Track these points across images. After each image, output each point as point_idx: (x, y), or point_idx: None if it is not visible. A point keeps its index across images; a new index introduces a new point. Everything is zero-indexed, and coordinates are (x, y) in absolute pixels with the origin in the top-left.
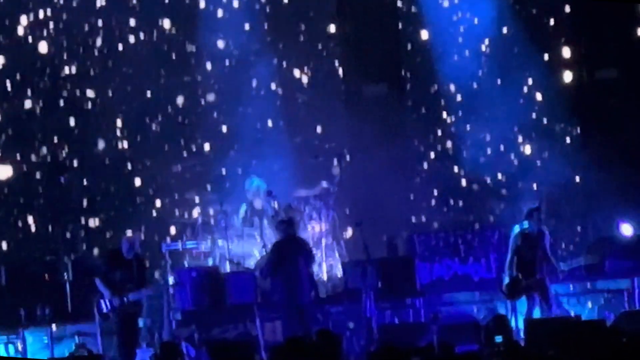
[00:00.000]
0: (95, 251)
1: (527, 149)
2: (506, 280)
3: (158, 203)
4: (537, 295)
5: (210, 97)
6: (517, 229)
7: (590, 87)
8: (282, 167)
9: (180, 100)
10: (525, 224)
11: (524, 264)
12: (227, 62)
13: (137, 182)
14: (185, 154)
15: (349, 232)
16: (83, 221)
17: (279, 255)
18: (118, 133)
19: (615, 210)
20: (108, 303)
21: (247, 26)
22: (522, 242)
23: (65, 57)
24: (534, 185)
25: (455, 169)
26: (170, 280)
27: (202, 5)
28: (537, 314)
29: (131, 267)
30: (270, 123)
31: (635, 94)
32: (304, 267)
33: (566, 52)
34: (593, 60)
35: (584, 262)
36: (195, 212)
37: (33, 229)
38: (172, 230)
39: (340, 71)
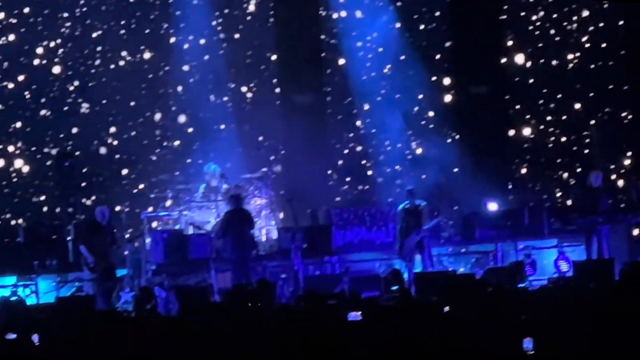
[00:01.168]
0: None
1: (419, 150)
2: (397, 244)
3: (140, 185)
4: (419, 256)
5: (180, 106)
6: (401, 206)
7: (465, 102)
8: (233, 157)
9: (156, 110)
10: (407, 202)
11: (408, 232)
12: (191, 81)
13: (124, 171)
14: (159, 148)
15: (282, 206)
16: (83, 197)
17: (229, 222)
18: (111, 131)
19: (484, 192)
20: (91, 262)
21: (206, 56)
22: (405, 215)
23: (69, 75)
24: (423, 176)
25: (363, 161)
26: (147, 240)
27: (172, 40)
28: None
29: (105, 231)
30: (223, 125)
31: (498, 106)
32: (248, 232)
33: (446, 80)
34: (468, 80)
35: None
36: (167, 189)
37: (45, 204)
38: (150, 202)
39: (278, 87)
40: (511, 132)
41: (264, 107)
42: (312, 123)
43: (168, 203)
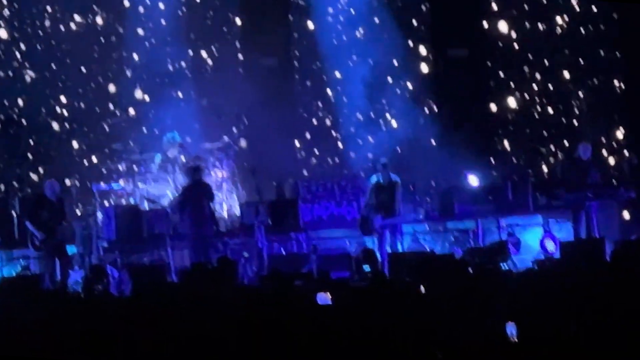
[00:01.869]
0: None
1: (393, 122)
2: (361, 220)
3: (92, 157)
4: (388, 233)
5: (134, 72)
6: (374, 178)
7: (444, 70)
8: (192, 126)
9: (109, 76)
10: (379, 176)
11: (377, 207)
12: (147, 45)
13: (75, 143)
14: (112, 117)
15: (245, 179)
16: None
17: (187, 196)
18: (60, 99)
19: (464, 165)
20: (37, 238)
21: (163, 20)
22: (375, 190)
23: (15, 38)
24: (397, 149)
25: (333, 133)
26: (99, 215)
27: (126, 2)
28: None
29: (54, 206)
30: (181, 94)
31: (479, 75)
32: (207, 206)
33: (423, 48)
34: (446, 47)
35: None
36: (120, 160)
37: None
38: (102, 175)
39: (241, 52)
40: (494, 103)
41: (225, 72)
42: (278, 90)
43: (121, 174)
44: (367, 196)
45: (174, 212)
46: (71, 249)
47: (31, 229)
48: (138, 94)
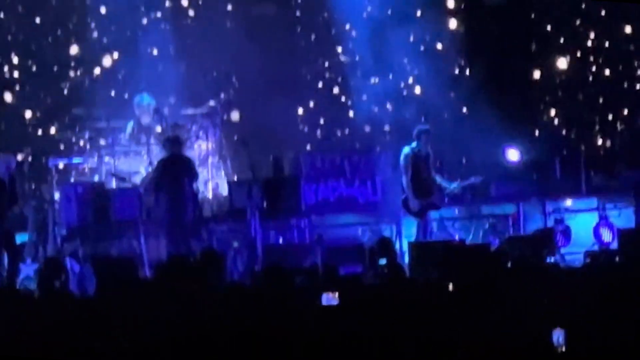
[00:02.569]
0: None
1: (417, 87)
2: (410, 200)
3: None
4: (431, 216)
5: (99, 24)
6: (407, 149)
7: (478, 24)
8: (171, 88)
9: (70, 29)
10: (415, 145)
11: (419, 183)
12: None
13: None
14: (74, 74)
15: (235, 152)
16: None
17: (163, 173)
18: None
19: (502, 137)
20: None
21: None
22: (414, 162)
23: None
24: (422, 118)
25: (343, 98)
26: (56, 195)
27: None
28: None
29: (5, 187)
30: (156, 50)
31: (522, 30)
32: (188, 186)
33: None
34: None
35: (473, 180)
36: (83, 129)
37: None
38: (60, 146)
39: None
40: (538, 63)
41: (211, 23)
42: (275, 45)
43: (83, 146)
44: (403, 171)
45: (148, 192)
46: (22, 238)
47: None
48: (105, 51)
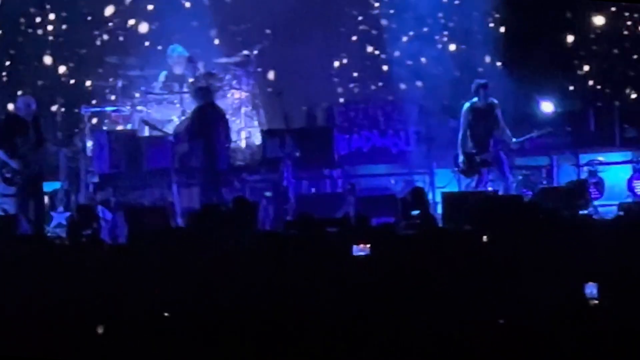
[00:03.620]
0: None
1: (452, 46)
2: (461, 157)
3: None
4: (492, 173)
5: None
6: (467, 104)
7: None
8: (203, 36)
9: None
10: (475, 99)
11: (477, 139)
12: None
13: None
14: (109, 24)
15: (268, 102)
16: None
17: (196, 122)
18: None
19: (535, 88)
20: (10, 169)
21: None
22: (472, 117)
23: None
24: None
25: (377, 51)
26: (88, 144)
27: None
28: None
29: (29, 129)
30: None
31: None
32: (222, 134)
33: None
34: None
35: (535, 134)
36: (116, 77)
37: None
38: (93, 95)
39: None
40: (570, 12)
41: None
42: None
43: (116, 94)
44: (461, 127)
45: (180, 141)
46: (54, 185)
47: (3, 158)
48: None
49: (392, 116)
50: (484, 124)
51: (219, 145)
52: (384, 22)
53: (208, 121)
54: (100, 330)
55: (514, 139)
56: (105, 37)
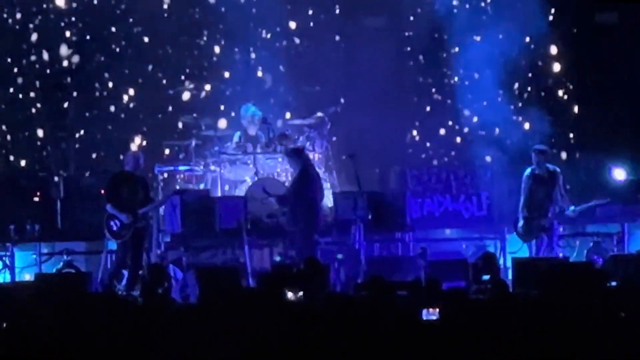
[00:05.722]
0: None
1: (525, 125)
2: (520, 221)
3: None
4: (546, 237)
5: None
6: (528, 170)
7: (591, 29)
8: (277, 97)
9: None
10: (534, 165)
11: (536, 205)
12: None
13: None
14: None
15: (342, 164)
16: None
17: (306, 182)
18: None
19: (609, 153)
20: (118, 222)
21: None
22: (533, 183)
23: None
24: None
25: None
26: None
27: None
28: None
29: (137, 183)
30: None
31: (633, 37)
32: (320, 197)
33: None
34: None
35: (594, 203)
36: (190, 136)
37: (26, 145)
38: (166, 152)
39: (337, 7)
40: None
41: (319, 30)
42: (385, 52)
43: (190, 153)
44: (522, 192)
45: (282, 202)
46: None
47: (114, 213)
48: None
49: (465, 181)
50: (544, 190)
51: (319, 207)
52: (457, 89)
53: (314, 183)
54: None
55: (572, 207)
56: (184, 97)
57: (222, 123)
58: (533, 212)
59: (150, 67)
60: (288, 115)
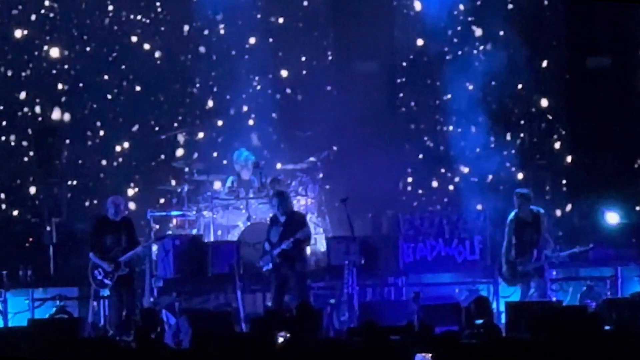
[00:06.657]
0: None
1: (521, 173)
2: (504, 266)
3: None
4: (534, 282)
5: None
6: (512, 214)
7: (582, 75)
8: (269, 143)
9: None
10: (517, 210)
11: (520, 249)
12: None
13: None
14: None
15: (334, 209)
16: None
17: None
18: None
19: (601, 198)
20: (101, 270)
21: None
22: (516, 227)
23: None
24: (520, 175)
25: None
26: (154, 247)
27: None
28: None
29: (120, 230)
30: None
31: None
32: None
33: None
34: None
35: (578, 249)
36: (181, 181)
37: (18, 194)
38: (159, 199)
39: (330, 54)
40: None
41: (312, 75)
42: (378, 98)
43: (182, 199)
44: (506, 236)
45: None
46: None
47: (97, 262)
48: (208, 105)
49: (457, 225)
50: (528, 234)
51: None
52: (449, 136)
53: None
54: None
55: (557, 253)
56: (177, 143)
57: (217, 185)
58: (517, 257)
59: (142, 115)
60: (279, 165)
